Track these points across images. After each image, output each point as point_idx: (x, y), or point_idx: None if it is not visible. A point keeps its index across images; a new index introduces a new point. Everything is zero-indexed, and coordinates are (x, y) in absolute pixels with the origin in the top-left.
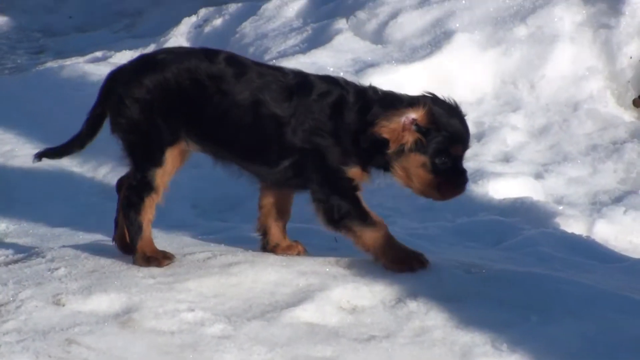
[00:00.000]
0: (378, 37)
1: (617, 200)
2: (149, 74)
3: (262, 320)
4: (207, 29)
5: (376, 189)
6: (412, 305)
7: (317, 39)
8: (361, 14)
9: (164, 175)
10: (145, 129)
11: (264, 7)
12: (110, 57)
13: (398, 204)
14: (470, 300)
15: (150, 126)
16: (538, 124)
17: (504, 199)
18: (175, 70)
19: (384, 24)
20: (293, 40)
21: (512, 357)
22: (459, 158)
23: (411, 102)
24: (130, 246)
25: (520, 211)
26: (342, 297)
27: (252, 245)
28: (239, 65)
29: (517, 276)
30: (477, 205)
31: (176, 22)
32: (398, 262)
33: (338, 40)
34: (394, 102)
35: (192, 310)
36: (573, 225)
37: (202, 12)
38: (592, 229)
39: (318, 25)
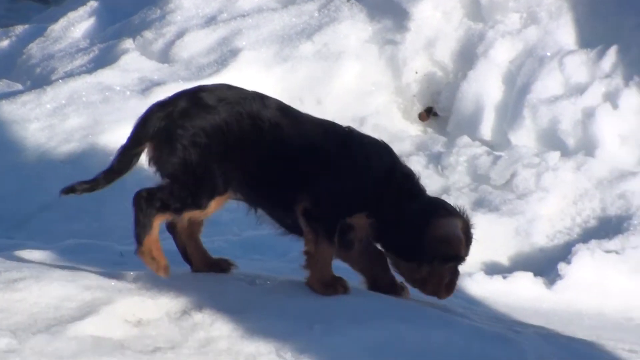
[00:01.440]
0: (165, 56)
1: None
2: (206, 116)
3: (47, 335)
4: None
5: None
6: (197, 316)
7: (104, 59)
8: (148, 34)
9: (200, 216)
10: (199, 174)
11: (50, 28)
12: None
13: None
14: (255, 311)
15: (205, 171)
16: None
17: None
18: (234, 114)
19: (171, 43)
20: (80, 61)
21: None
22: None
23: (450, 211)
24: (136, 239)
25: None
26: (128, 310)
27: (37, 262)
28: (293, 114)
29: (302, 287)
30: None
31: None
32: (324, 284)
33: (125, 59)
34: (438, 207)
35: None
36: None
37: None
38: None
39: (105, 46)
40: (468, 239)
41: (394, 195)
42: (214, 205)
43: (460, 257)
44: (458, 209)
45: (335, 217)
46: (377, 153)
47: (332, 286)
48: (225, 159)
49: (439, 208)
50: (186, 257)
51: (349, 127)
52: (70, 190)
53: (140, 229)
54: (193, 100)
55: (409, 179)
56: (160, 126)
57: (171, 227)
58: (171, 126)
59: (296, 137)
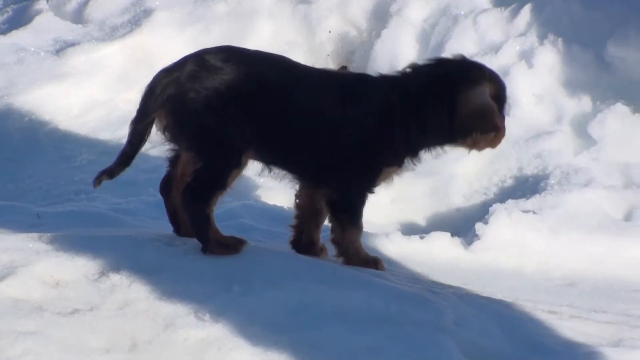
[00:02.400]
0: (79, 16)
1: None
2: (215, 77)
3: None
4: None
5: (78, 166)
6: (115, 278)
7: (18, 20)
8: None
9: (238, 174)
10: (220, 135)
11: None
12: None
13: None
14: (173, 272)
15: (226, 131)
16: None
17: None
18: (242, 75)
19: (84, 4)
20: None
21: (215, 327)
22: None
23: (464, 72)
24: (198, 237)
25: None
26: (46, 272)
27: None
28: (299, 71)
29: None
30: None
31: None
32: (364, 264)
33: (38, 20)
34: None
35: None
36: (274, 197)
37: None
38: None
39: (18, 7)
40: (499, 85)
41: (403, 108)
42: (244, 162)
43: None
44: (484, 71)
45: (363, 201)
46: (375, 93)
47: (373, 263)
48: (241, 120)
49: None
50: (175, 221)
51: (342, 69)
52: (100, 179)
53: (200, 226)
54: (199, 63)
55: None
56: (170, 93)
57: (164, 191)
58: (182, 91)
59: (301, 99)
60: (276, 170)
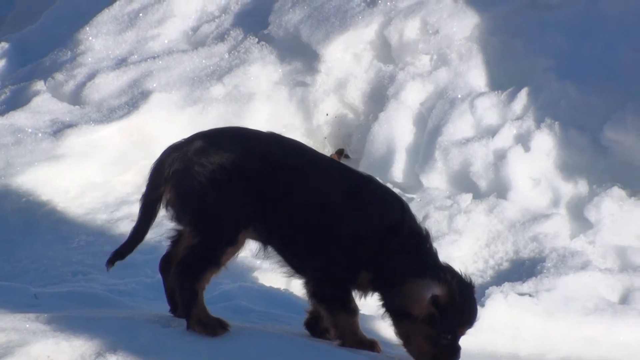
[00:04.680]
0: (76, 98)
1: None
2: (222, 153)
3: None
4: None
5: (75, 247)
6: (112, 359)
7: (16, 101)
8: (59, 76)
9: (233, 253)
10: (221, 210)
11: None
12: None
13: (98, 261)
14: (169, 353)
15: (226, 207)
16: None
17: None
18: (249, 155)
19: (82, 85)
20: None
21: None
22: (460, 336)
23: (436, 275)
24: (183, 311)
25: None
26: (42, 352)
27: None
28: (310, 157)
29: None
30: None
31: None
32: (362, 347)
33: (36, 101)
34: (422, 267)
35: None
36: (271, 279)
37: None
38: (290, 282)
39: (16, 87)
40: (453, 308)
41: (396, 251)
42: (242, 240)
43: (413, 317)
44: (449, 278)
45: (342, 289)
46: (385, 208)
47: (369, 346)
48: (244, 197)
49: (426, 269)
50: (172, 300)
51: (369, 177)
52: (113, 260)
53: (187, 302)
54: (208, 140)
55: (414, 238)
56: (177, 168)
57: (164, 268)
58: (188, 165)
59: (307, 182)
60: (270, 251)
